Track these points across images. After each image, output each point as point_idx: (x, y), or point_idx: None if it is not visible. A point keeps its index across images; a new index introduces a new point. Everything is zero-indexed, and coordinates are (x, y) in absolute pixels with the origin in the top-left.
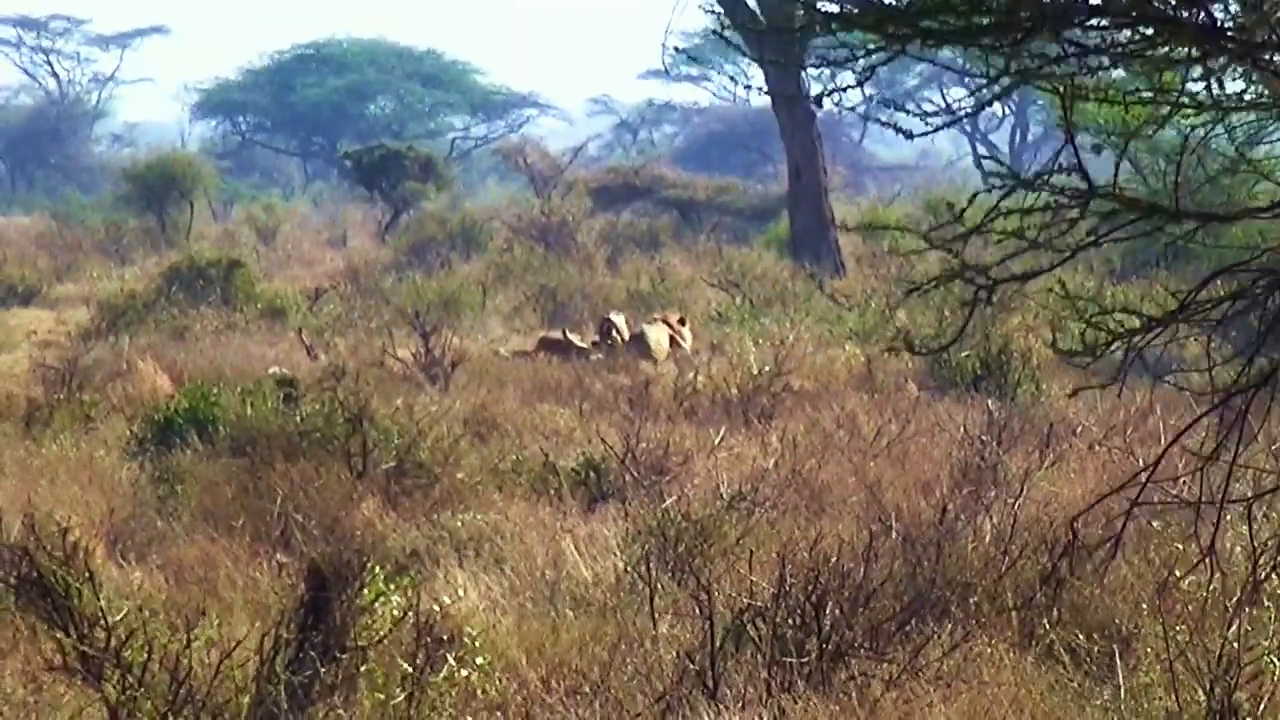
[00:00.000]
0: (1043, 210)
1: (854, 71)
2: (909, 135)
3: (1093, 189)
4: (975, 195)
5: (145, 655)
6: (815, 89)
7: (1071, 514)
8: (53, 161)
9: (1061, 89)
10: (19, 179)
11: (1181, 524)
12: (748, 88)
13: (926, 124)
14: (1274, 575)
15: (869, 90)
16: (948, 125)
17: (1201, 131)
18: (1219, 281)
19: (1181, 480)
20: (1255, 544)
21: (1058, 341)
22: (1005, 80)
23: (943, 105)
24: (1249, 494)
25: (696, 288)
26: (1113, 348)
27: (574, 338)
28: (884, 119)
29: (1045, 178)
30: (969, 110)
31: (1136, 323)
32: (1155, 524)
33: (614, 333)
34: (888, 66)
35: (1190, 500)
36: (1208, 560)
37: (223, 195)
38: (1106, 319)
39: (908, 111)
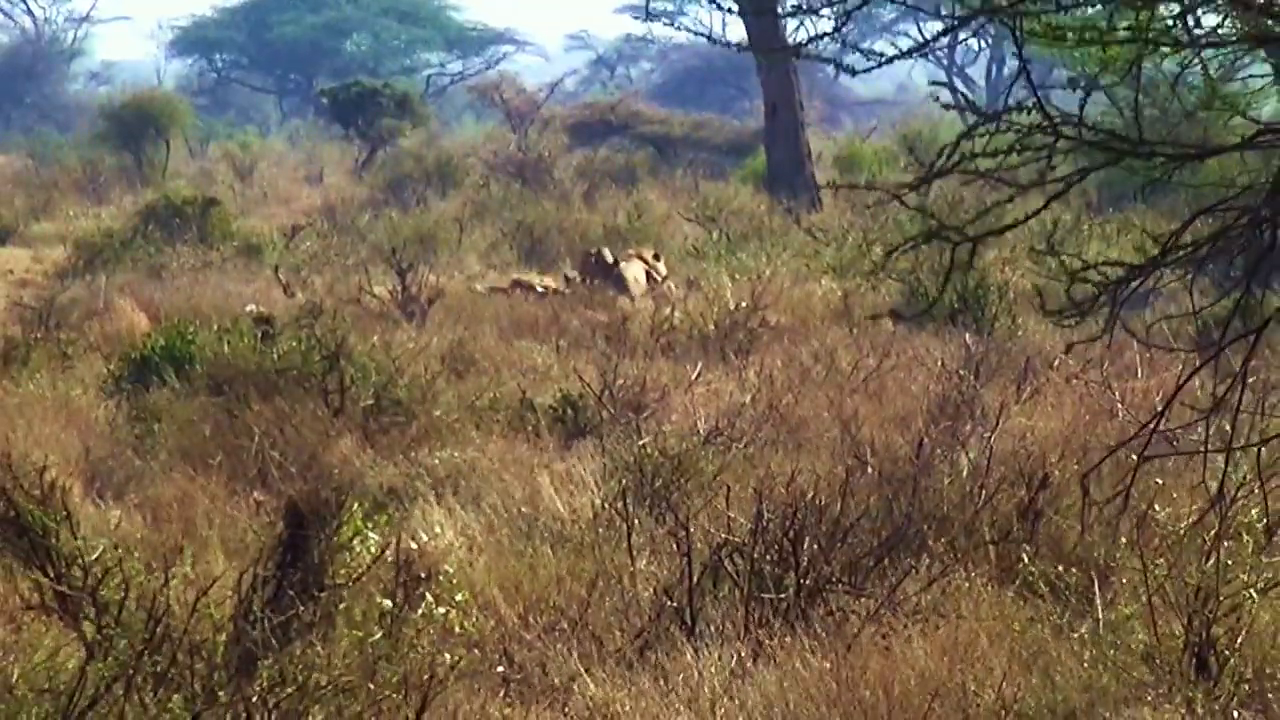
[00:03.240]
0: (1009, 152)
1: (830, 16)
2: (852, 72)
3: (1056, 129)
4: (944, 149)
5: (122, 594)
6: (791, 25)
7: (1048, 448)
8: (29, 100)
9: (1014, 28)
10: None
11: (1159, 459)
12: (711, 39)
13: (880, 58)
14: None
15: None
16: (889, 62)
17: (1177, 67)
18: (1198, 220)
19: (1179, 428)
20: (1265, 489)
21: (1043, 302)
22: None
23: (919, 40)
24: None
25: (673, 223)
26: (1103, 303)
27: (544, 280)
28: (832, 58)
29: (1008, 113)
30: (928, 43)
31: (1120, 272)
32: (1133, 457)
33: (602, 262)
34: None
35: (1196, 451)
36: (1218, 509)
37: (199, 133)
38: (1090, 272)
39: (865, 54)
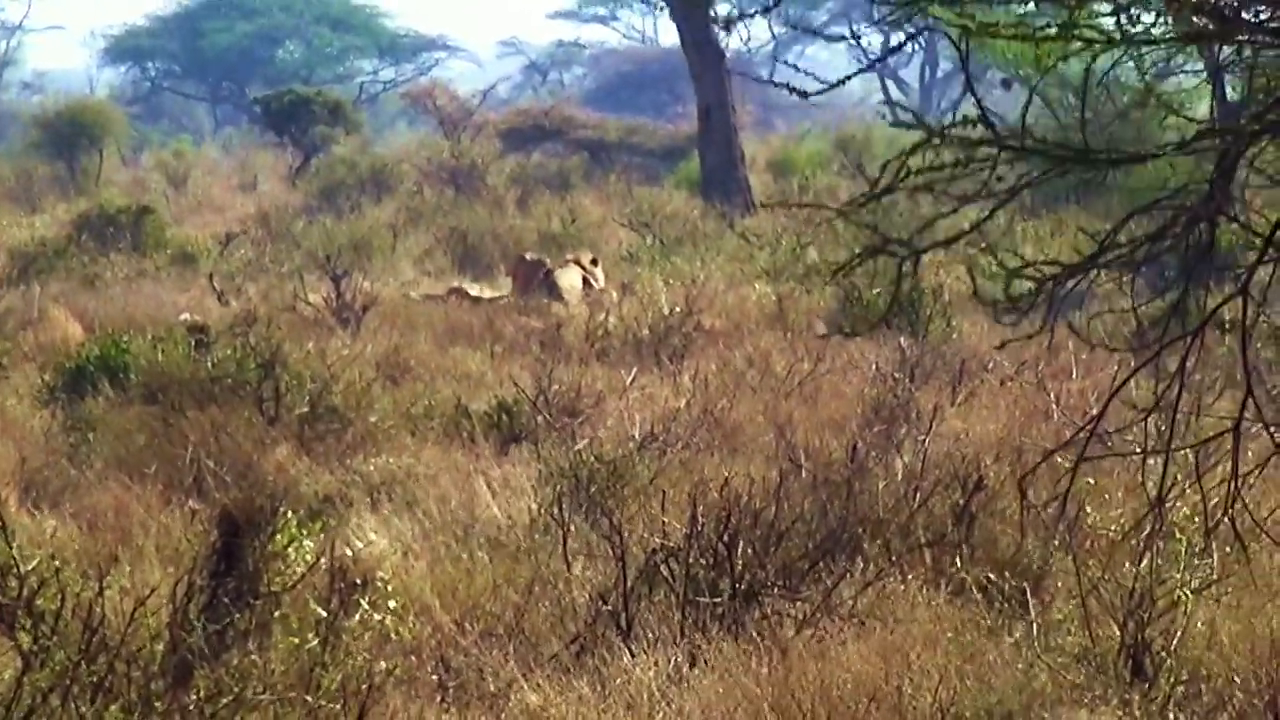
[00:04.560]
0: (955, 166)
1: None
2: (804, 95)
3: (999, 139)
4: (887, 163)
5: (58, 604)
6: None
7: (983, 450)
8: None
9: (959, 35)
10: None
11: (1093, 462)
12: (643, 38)
13: (828, 84)
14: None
15: (777, 29)
16: (840, 84)
17: (1109, 65)
18: (1133, 221)
19: (1117, 431)
20: (1203, 490)
21: (979, 295)
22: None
23: (851, 40)
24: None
25: (608, 228)
26: (1038, 298)
27: (480, 289)
28: (785, 82)
29: (950, 128)
30: (878, 60)
31: (1056, 270)
32: (1065, 462)
33: (539, 270)
34: (797, 2)
35: (1134, 453)
36: (1157, 511)
37: (133, 142)
38: (1027, 267)
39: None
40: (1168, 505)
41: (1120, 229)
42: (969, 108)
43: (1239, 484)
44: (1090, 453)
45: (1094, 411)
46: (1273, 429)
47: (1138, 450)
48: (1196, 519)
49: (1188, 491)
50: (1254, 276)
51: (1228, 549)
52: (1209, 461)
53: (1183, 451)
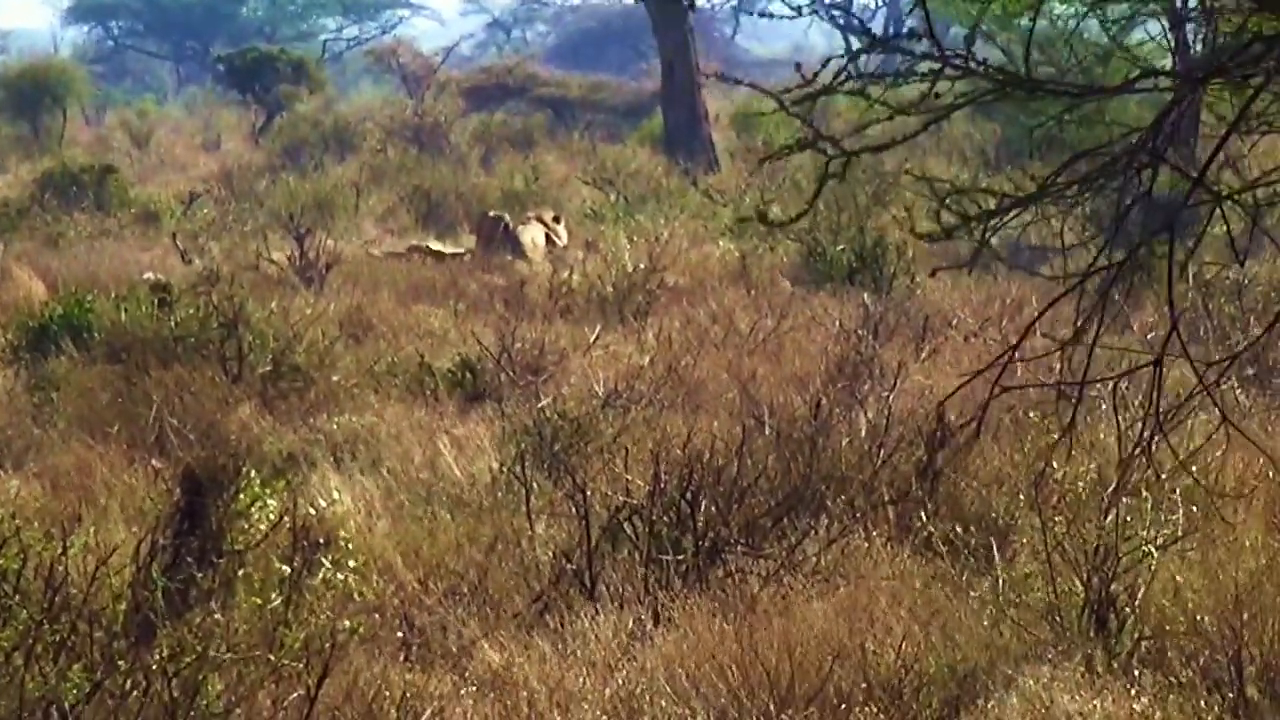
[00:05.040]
0: (896, 76)
1: None
2: (773, 16)
3: (944, 54)
4: (829, 60)
5: (20, 563)
6: None
7: (947, 406)
8: None
9: None
10: None
11: (1058, 415)
12: None
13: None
14: (1141, 457)
15: None
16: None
17: (1074, 21)
18: (1082, 165)
19: (1044, 363)
20: (1121, 424)
21: (915, 226)
22: None
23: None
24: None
25: (571, 186)
26: (973, 229)
27: (441, 246)
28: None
29: (899, 39)
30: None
31: (993, 204)
32: (1032, 415)
33: (495, 227)
34: None
35: (1050, 382)
36: (1068, 437)
37: (96, 101)
38: (961, 199)
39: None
40: (1135, 462)
41: (1063, 170)
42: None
43: (1159, 418)
44: (1010, 384)
45: (1052, 363)
46: (1195, 363)
47: (1054, 384)
48: (1158, 476)
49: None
50: (1182, 218)
51: (1193, 505)
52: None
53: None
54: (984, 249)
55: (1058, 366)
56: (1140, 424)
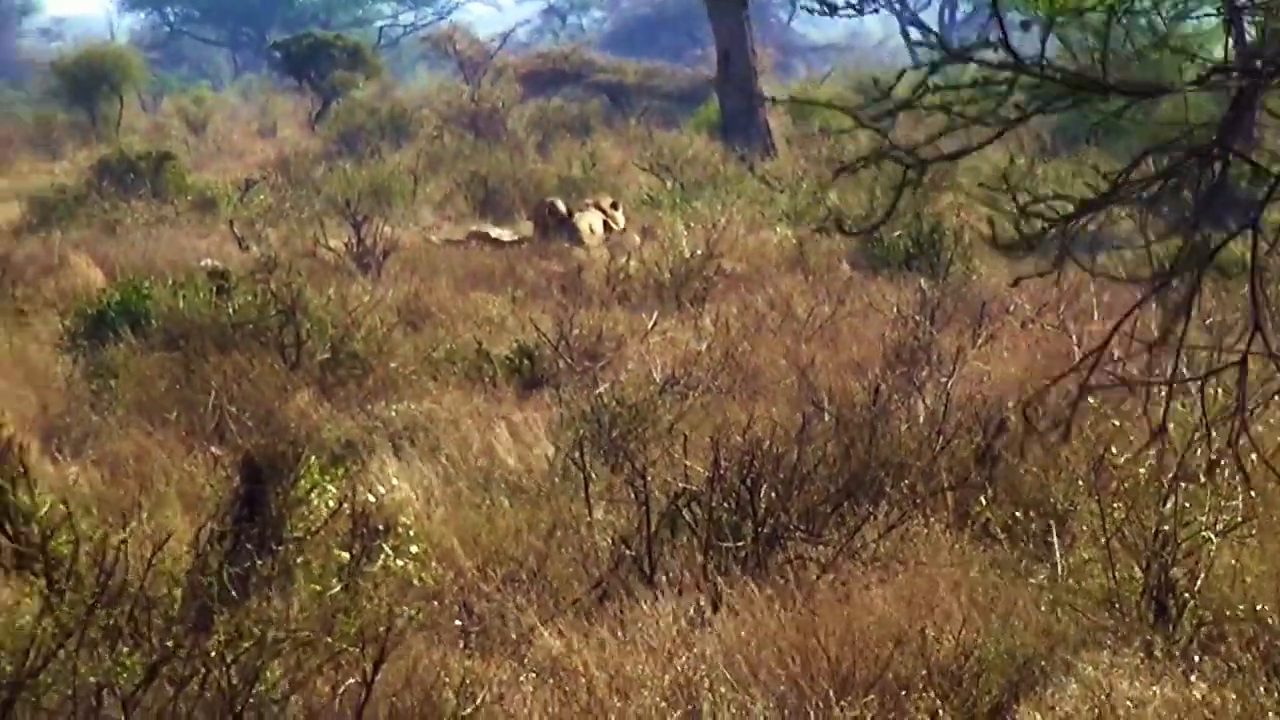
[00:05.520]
0: (970, 86)
1: None
2: (832, 10)
3: (1020, 63)
4: (904, 72)
5: (73, 549)
6: None
7: (1005, 392)
8: None
9: None
10: None
11: (1115, 402)
12: None
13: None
14: (1212, 451)
15: None
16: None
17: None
18: (1149, 159)
19: (1123, 362)
20: (1207, 421)
21: (996, 235)
22: None
23: None
24: (1189, 374)
25: (628, 172)
26: (1049, 234)
27: (499, 233)
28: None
29: (972, 51)
30: None
31: (1070, 208)
32: (1090, 401)
33: (556, 215)
34: None
35: (1140, 381)
36: (1159, 440)
37: (152, 88)
38: (1040, 206)
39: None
40: (1193, 447)
41: (1134, 168)
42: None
43: (1244, 417)
44: (1102, 384)
45: (1112, 350)
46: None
47: (1139, 381)
48: (1216, 459)
49: (1214, 435)
50: (1264, 214)
51: (1253, 492)
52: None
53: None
54: (1063, 255)
55: (1126, 360)
56: (1208, 419)
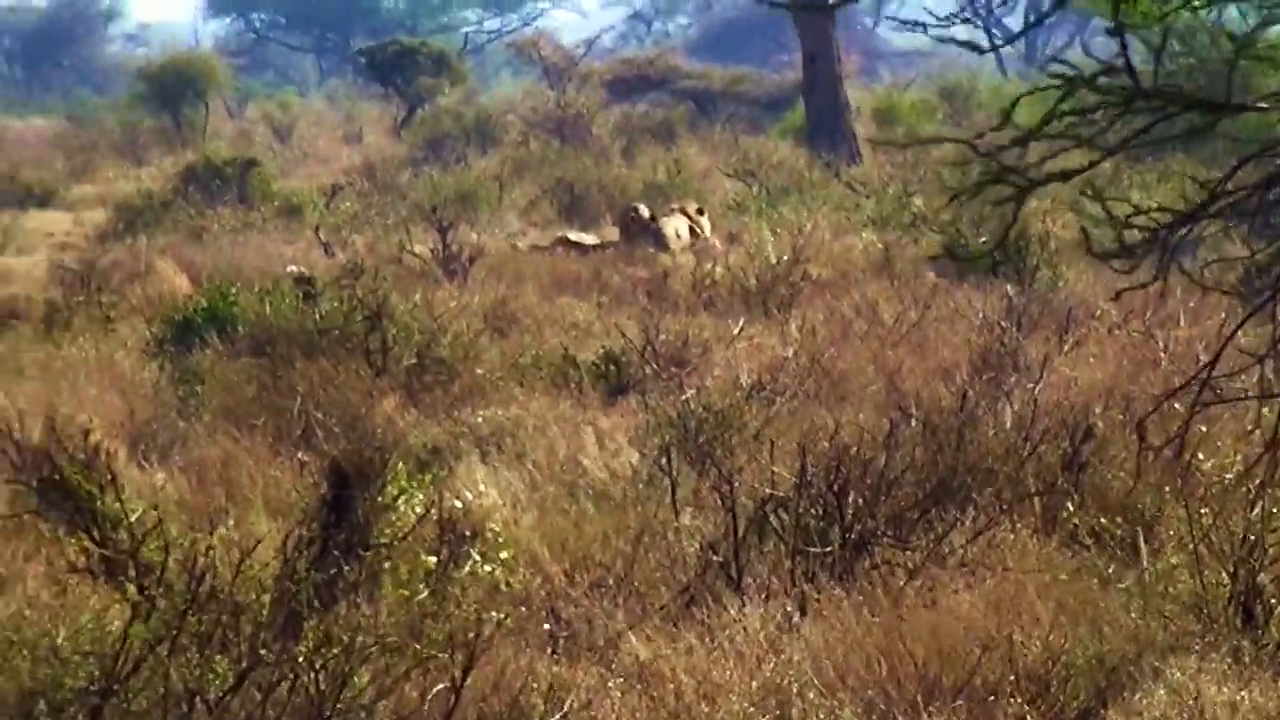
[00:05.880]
0: (1094, 110)
1: None
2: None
3: (1140, 89)
4: (1020, 97)
5: (163, 555)
6: None
7: (1091, 398)
8: (66, 64)
9: None
10: (34, 82)
11: (1203, 409)
12: None
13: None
14: None
15: None
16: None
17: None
18: (1242, 168)
19: (1227, 376)
20: None
21: (1090, 244)
22: None
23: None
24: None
25: (713, 178)
26: (1150, 246)
27: (584, 238)
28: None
29: (1100, 78)
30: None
31: (1168, 218)
32: (1177, 406)
33: (641, 221)
34: None
35: (1248, 397)
36: (1273, 453)
37: (237, 94)
38: (1138, 218)
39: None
40: None
41: (1230, 177)
42: (1074, 55)
43: None
44: (1203, 399)
45: (1203, 358)
46: None
47: (1249, 396)
48: None
49: None
50: None
51: None
52: None
53: None
54: (1164, 265)
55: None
56: None
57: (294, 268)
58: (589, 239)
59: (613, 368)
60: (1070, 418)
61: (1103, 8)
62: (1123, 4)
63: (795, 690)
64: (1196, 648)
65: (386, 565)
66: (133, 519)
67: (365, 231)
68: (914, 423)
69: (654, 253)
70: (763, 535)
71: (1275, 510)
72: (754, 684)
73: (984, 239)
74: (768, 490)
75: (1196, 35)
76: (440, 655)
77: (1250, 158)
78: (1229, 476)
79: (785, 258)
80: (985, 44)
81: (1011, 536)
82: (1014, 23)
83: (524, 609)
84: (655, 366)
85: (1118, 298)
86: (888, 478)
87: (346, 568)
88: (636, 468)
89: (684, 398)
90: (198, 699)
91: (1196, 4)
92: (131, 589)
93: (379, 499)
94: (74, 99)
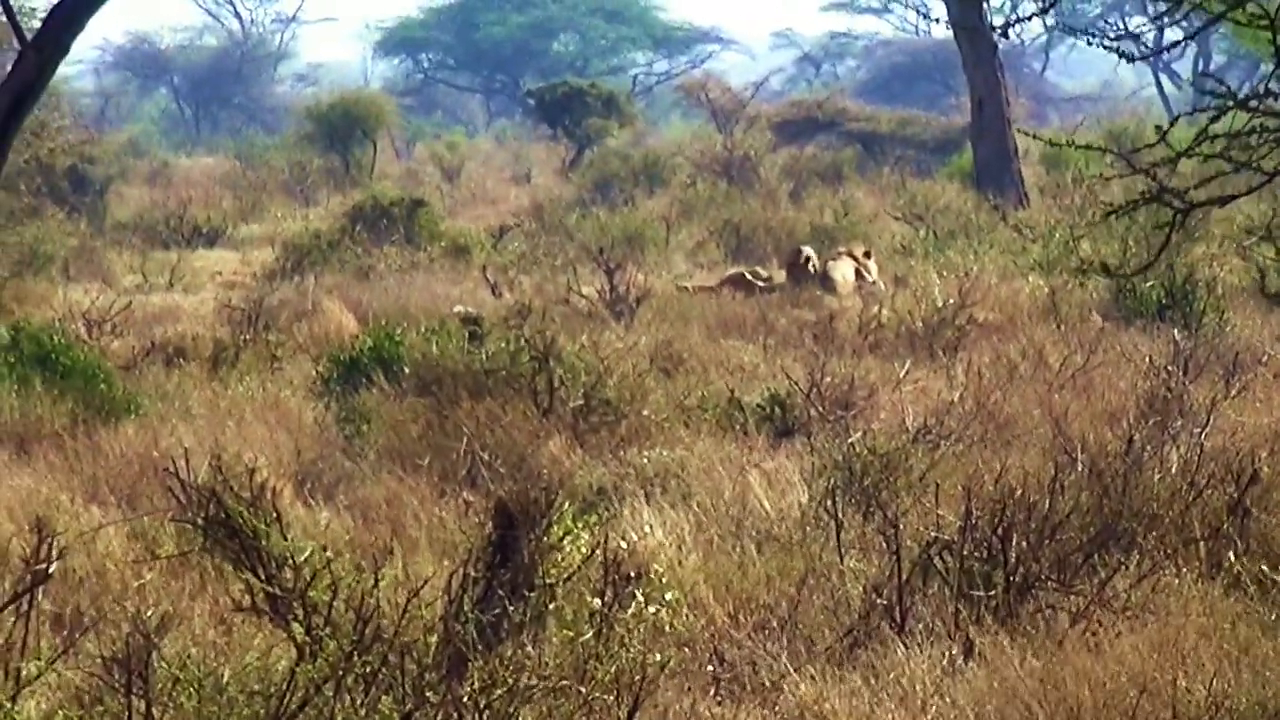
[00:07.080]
0: (1248, 134)
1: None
2: (1130, 58)
3: None
4: (1177, 118)
5: (331, 595)
6: (998, 20)
7: (1258, 444)
8: (236, 102)
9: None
10: (203, 120)
11: None
12: (926, 17)
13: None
14: None
15: (1050, 20)
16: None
17: None
18: None
19: None
20: None
21: (1265, 288)
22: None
23: (1124, 31)
24: None
25: (880, 221)
26: None
27: (760, 272)
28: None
29: (1259, 100)
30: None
31: None
32: None
33: (808, 264)
34: None
35: None
36: None
37: (406, 134)
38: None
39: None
40: None
41: None
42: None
43: None
44: None
45: None
46: None
47: None
48: None
49: None
50: None
51: None
52: None
53: None
54: None
55: None
56: None
57: (460, 308)
58: (763, 273)
59: (778, 410)
60: (1236, 463)
61: (1263, 45)
62: (1238, 27)
63: None
64: None
65: (551, 606)
66: (300, 559)
67: (533, 272)
68: (1079, 466)
69: (821, 295)
70: (927, 578)
71: None
72: None
73: (1150, 283)
74: (932, 533)
75: None
76: (605, 697)
77: None
78: None
79: (951, 301)
80: (1154, 88)
81: (1175, 581)
82: (1182, 68)
83: (688, 650)
84: (821, 409)
85: None
86: (1052, 521)
87: (511, 608)
88: (802, 510)
89: (849, 441)
90: None
91: None
92: (298, 628)
93: (544, 539)
94: (243, 138)
